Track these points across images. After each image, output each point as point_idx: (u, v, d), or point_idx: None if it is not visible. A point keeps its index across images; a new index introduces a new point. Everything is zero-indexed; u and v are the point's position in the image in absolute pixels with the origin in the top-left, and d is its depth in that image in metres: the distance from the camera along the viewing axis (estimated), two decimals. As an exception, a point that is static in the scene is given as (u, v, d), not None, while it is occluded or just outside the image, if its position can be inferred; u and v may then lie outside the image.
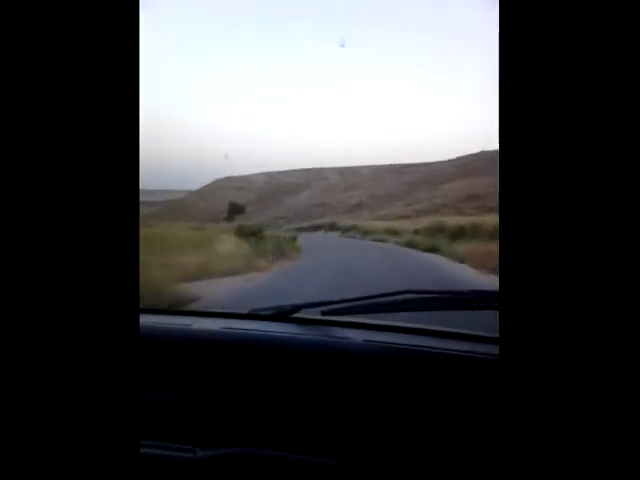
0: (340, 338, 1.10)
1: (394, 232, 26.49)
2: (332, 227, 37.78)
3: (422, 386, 0.96)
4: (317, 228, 40.70)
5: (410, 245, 18.99)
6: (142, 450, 0.92)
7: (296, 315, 1.21)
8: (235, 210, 68.84)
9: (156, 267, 7.63)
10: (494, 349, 0.97)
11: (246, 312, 1.29)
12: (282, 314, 1.22)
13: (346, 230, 34.19)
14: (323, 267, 10.97)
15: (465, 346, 1.03)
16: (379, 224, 34.42)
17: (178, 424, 1.02)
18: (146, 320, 1.20)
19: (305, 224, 47.85)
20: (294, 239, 20.00)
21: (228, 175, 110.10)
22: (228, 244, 14.50)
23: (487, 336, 1.08)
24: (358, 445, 0.93)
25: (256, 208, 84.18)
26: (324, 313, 1.17)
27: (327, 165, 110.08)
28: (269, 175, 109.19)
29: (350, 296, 1.18)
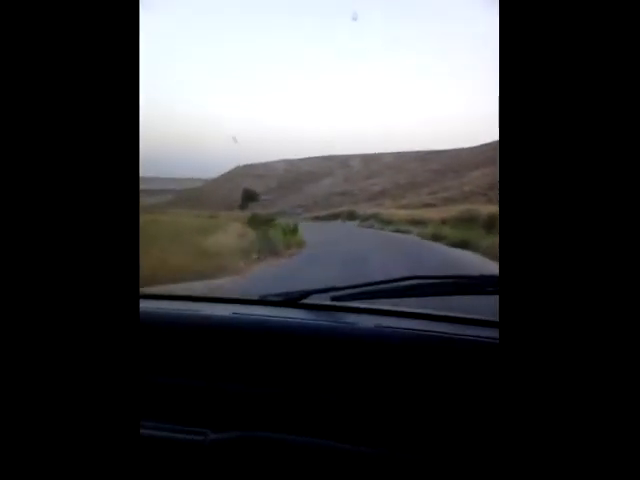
0: (350, 323, 1.11)
1: (418, 222, 23.83)
2: (351, 216, 35.17)
3: (434, 371, 0.96)
4: (335, 217, 38.25)
5: (436, 238, 16.35)
6: (154, 433, 0.97)
7: (305, 301, 1.22)
8: (249, 197, 66.89)
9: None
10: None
11: (255, 298, 1.30)
12: (291, 300, 1.23)
13: (365, 219, 31.51)
14: (322, 269, 8.50)
15: (477, 331, 1.04)
16: (402, 213, 31.77)
17: (190, 408, 1.04)
18: (156, 305, 1.23)
19: (324, 212, 45.44)
20: (294, 230, 17.20)
21: (248, 162, 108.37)
22: (221, 236, 12.16)
23: (497, 321, 1.08)
24: (369, 429, 0.94)
25: (276, 196, 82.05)
26: (333, 299, 1.17)
27: (349, 152, 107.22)
28: (290, 162, 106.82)
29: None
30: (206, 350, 1.08)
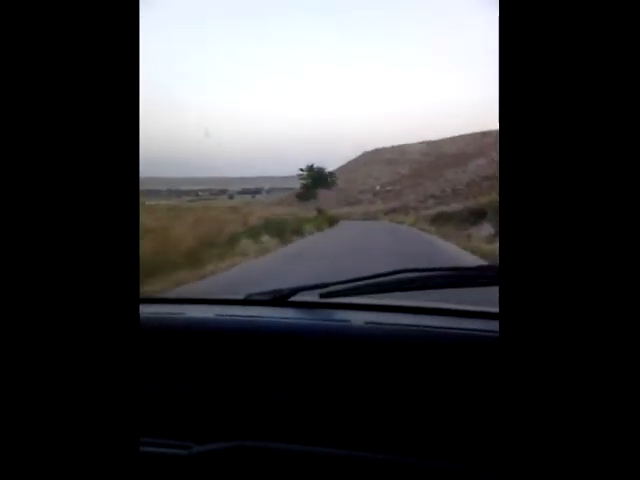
0: (340, 321, 1.08)
1: None
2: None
3: (428, 367, 0.93)
4: (479, 214, 17.13)
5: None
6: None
7: (293, 299, 1.18)
8: (318, 181, 45.30)
9: None
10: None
11: (241, 298, 1.25)
12: (279, 299, 1.18)
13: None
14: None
15: (471, 324, 1.00)
16: None
17: (172, 417, 0.99)
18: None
19: (461, 205, 24.72)
20: None
21: (379, 147, 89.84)
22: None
23: (493, 312, 1.04)
24: (362, 432, 0.90)
25: (407, 185, 62.82)
26: (322, 295, 1.13)
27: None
28: (430, 144, 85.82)
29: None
30: (187, 355, 1.02)
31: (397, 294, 1.08)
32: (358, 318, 1.05)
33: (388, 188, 63.42)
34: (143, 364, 0.92)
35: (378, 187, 65.56)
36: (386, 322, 1.02)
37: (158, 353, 1.02)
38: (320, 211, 33.14)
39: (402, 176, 68.48)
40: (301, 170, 44.31)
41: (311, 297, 1.15)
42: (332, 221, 25.99)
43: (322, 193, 41.91)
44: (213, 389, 0.98)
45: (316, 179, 42.43)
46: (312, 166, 44.87)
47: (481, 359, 0.88)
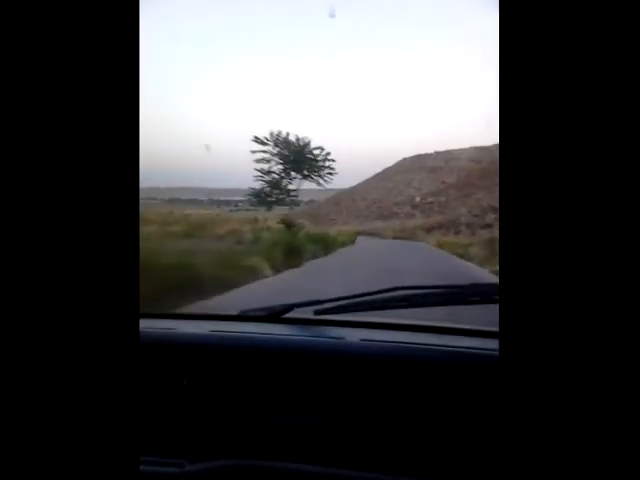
0: (335, 338, 1.07)
1: None
2: None
3: (423, 385, 0.92)
4: None
5: None
6: None
7: (288, 315, 1.18)
8: (295, 164, 18.79)
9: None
10: (495, 344, 0.94)
11: (235, 314, 1.25)
12: (273, 315, 1.18)
13: None
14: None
15: (468, 342, 1.00)
16: None
17: (164, 435, 0.98)
18: None
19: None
20: None
21: (419, 153, 79.21)
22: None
23: (489, 331, 1.05)
24: (358, 451, 0.89)
25: (454, 196, 52.15)
26: (317, 312, 1.13)
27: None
28: (480, 149, 74.45)
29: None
30: (180, 371, 1.01)
31: (392, 311, 1.06)
32: (353, 335, 1.05)
33: (430, 199, 52.77)
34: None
35: (418, 198, 54.96)
36: (381, 340, 1.02)
37: (151, 369, 1.01)
38: (290, 225, 17.55)
39: (448, 185, 57.70)
40: (258, 141, 19.70)
41: (306, 314, 1.14)
42: (297, 250, 11.44)
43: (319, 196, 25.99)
44: (206, 406, 0.97)
45: (289, 160, 19.74)
46: (283, 134, 20.46)
47: (477, 377, 0.87)
